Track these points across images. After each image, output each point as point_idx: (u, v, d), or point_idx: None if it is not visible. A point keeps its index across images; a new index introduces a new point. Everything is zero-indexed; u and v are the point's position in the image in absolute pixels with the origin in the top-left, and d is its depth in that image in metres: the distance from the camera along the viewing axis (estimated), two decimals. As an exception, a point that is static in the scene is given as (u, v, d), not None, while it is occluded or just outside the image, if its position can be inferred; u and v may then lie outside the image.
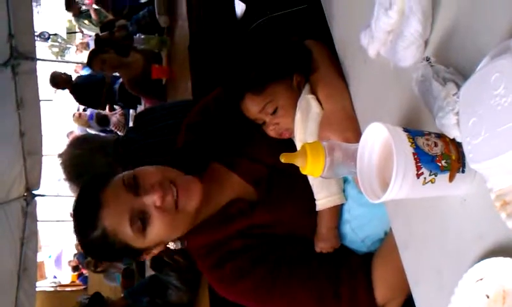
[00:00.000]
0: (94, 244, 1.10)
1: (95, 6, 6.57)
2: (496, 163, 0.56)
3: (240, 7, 2.07)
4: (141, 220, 1.06)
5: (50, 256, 10.53)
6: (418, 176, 0.67)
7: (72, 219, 1.14)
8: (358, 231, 1.16)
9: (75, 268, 8.90)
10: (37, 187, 5.36)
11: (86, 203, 1.12)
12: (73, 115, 7.74)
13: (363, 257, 1.15)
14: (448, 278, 0.73)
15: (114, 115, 5.84)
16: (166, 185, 1.09)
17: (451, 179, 0.69)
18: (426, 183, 0.68)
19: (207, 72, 2.50)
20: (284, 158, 0.80)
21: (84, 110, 7.10)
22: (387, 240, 1.11)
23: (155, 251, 1.18)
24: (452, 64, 0.73)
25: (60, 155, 2.39)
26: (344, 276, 1.12)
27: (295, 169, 0.82)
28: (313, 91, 1.15)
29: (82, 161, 2.30)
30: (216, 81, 1.34)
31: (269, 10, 1.78)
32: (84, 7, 7.28)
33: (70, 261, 9.49)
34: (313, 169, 0.79)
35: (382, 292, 1.09)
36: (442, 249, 0.77)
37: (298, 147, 1.14)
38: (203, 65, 2.66)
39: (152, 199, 1.06)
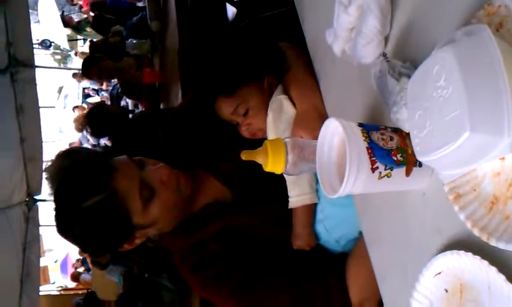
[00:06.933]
0: (95, 208, 1.09)
1: (92, 14, 6.60)
2: (442, 155, 0.56)
3: (231, 11, 2.07)
4: (148, 191, 1.11)
5: (56, 261, 10.56)
6: (373, 170, 0.67)
7: (67, 182, 1.17)
8: (332, 231, 1.16)
9: (75, 278, 8.74)
10: (38, 192, 5.38)
11: (96, 165, 1.13)
12: (73, 109, 7.73)
13: (337, 258, 1.15)
14: (411, 272, 0.73)
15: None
16: (169, 167, 1.16)
17: (408, 173, 0.69)
18: (382, 177, 0.68)
19: (196, 76, 2.51)
20: (245, 156, 0.80)
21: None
22: (360, 240, 1.09)
23: (138, 241, 1.19)
24: (409, 59, 0.73)
25: (47, 169, 2.31)
26: (318, 281, 1.12)
27: None
28: (286, 91, 1.16)
29: None
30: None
31: (257, 13, 1.78)
32: (76, 19, 7.29)
33: (73, 264, 9.49)
34: (274, 166, 0.80)
35: (356, 292, 1.09)
36: (405, 243, 0.77)
37: None
38: (192, 69, 2.67)
39: (159, 173, 1.12)
